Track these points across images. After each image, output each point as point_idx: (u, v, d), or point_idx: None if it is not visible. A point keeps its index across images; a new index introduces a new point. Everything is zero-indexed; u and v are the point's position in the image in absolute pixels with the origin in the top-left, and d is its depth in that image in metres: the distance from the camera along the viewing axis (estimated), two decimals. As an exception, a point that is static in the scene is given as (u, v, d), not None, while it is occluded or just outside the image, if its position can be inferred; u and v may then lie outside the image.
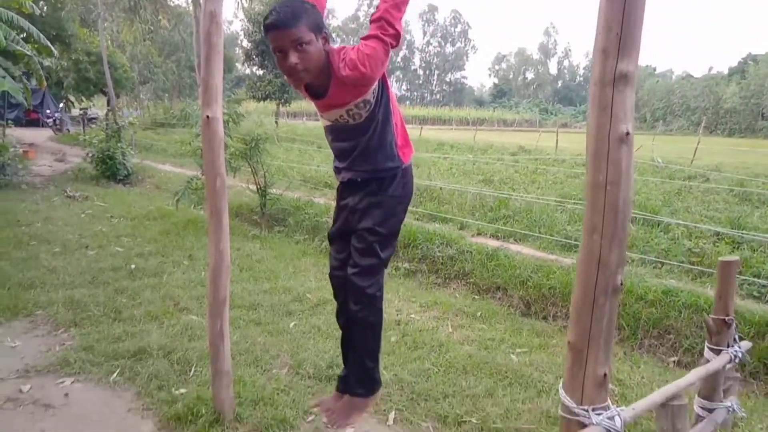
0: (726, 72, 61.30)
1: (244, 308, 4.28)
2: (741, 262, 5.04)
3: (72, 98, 23.05)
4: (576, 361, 1.53)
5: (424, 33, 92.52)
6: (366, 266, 2.21)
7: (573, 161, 13.70)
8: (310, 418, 2.81)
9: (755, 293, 4.63)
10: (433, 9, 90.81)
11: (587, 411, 1.50)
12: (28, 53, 10.10)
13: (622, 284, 1.48)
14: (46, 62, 13.74)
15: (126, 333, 3.70)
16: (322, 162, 11.51)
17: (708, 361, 2.16)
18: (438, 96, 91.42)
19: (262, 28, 2.10)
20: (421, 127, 28.85)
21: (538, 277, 5.05)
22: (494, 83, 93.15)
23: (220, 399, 2.71)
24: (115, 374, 3.18)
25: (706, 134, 31.58)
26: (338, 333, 2.44)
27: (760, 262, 5.11)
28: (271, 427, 2.67)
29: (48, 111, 23.47)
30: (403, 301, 4.79)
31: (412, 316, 4.45)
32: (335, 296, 2.44)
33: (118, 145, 11.32)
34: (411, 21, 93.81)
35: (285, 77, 2.16)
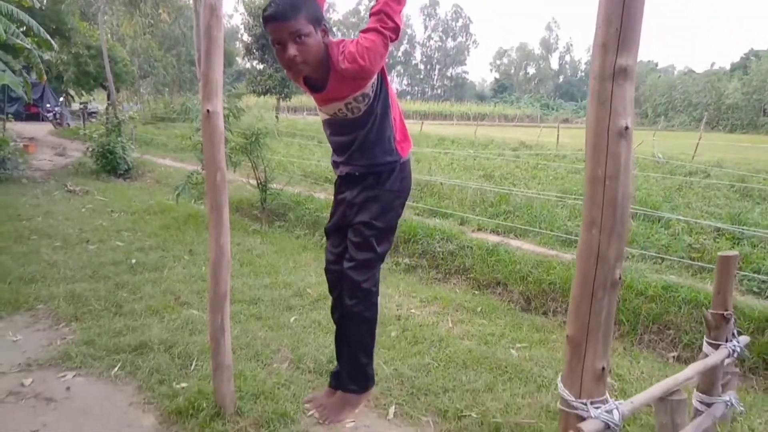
0: (728, 67, 61.19)
1: (245, 303, 4.29)
2: (741, 258, 5.07)
3: (72, 92, 23.01)
4: (574, 354, 1.54)
5: (425, 27, 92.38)
6: (362, 260, 2.20)
7: (574, 156, 13.70)
8: (311, 413, 2.82)
9: (755, 289, 4.65)
10: (434, 3, 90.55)
11: (586, 404, 1.51)
12: (28, 47, 10.07)
13: (620, 278, 1.49)
14: (46, 56, 13.69)
15: (127, 327, 3.71)
16: (323, 157, 11.50)
17: (706, 355, 2.17)
18: (439, 91, 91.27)
19: (261, 20, 2.09)
20: (422, 122, 28.82)
21: (538, 273, 5.06)
22: (495, 78, 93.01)
23: (221, 393, 2.72)
24: (116, 368, 3.19)
25: (707, 130, 31.56)
26: (338, 328, 2.44)
27: (761, 258, 5.12)
28: (271, 421, 2.67)
29: (48, 105, 23.46)
30: (403, 296, 4.80)
31: (413, 311, 4.46)
32: (330, 291, 2.43)
33: (119, 139, 11.32)
34: (412, 15, 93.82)
35: (284, 70, 2.15)
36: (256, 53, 23.10)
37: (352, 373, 2.33)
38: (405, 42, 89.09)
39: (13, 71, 10.35)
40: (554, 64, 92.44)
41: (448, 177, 9.34)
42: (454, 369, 3.39)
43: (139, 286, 4.53)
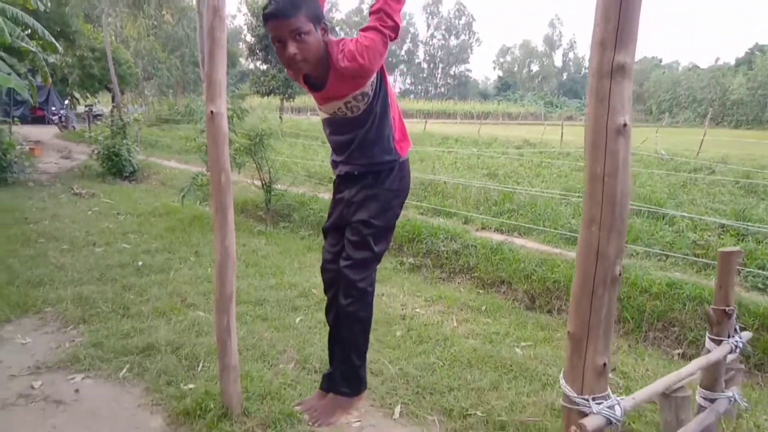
0: (733, 63, 60.84)
1: (251, 304, 4.32)
2: (746, 254, 5.06)
3: (77, 95, 23.12)
4: (575, 351, 1.55)
5: (428, 26, 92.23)
6: (359, 259, 2.20)
7: (578, 154, 13.66)
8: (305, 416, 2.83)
9: (760, 285, 4.64)
10: (437, 1, 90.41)
11: (587, 400, 1.53)
12: (33, 50, 10.13)
13: (620, 275, 1.50)
14: (51, 59, 13.76)
15: (134, 329, 3.74)
16: (326, 157, 11.48)
17: (709, 351, 2.18)
18: (442, 89, 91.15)
19: (261, 18, 2.10)
20: (426, 121, 28.84)
21: (542, 271, 5.06)
22: (499, 76, 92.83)
23: (228, 394, 2.74)
24: (124, 370, 3.22)
25: (712, 126, 31.43)
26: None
27: (765, 254, 5.10)
28: (278, 422, 2.70)
29: (53, 108, 23.56)
30: (407, 296, 4.82)
31: (417, 310, 4.47)
32: (325, 291, 2.41)
33: (124, 141, 11.38)
34: (415, 14, 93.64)
35: (285, 69, 2.16)
36: (260, 54, 23.15)
37: (345, 374, 2.31)
38: (408, 40, 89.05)
39: (19, 74, 10.41)
40: (558, 61, 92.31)
41: (452, 176, 9.35)
42: (459, 368, 3.41)
43: (145, 288, 4.57)
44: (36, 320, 3.95)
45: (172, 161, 13.16)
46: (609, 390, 1.58)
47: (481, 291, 5.18)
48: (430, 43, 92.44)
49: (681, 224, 6.17)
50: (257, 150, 7.11)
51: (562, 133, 19.58)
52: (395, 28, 2.05)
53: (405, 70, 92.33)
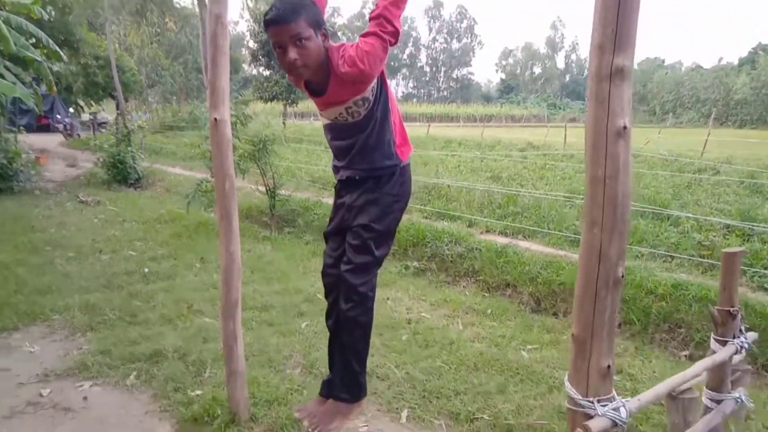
0: (736, 62, 60.66)
1: (256, 309, 4.33)
2: (751, 254, 5.05)
3: (81, 103, 23.26)
4: (580, 353, 1.56)
5: (430, 29, 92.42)
6: (360, 264, 2.20)
7: (581, 156, 13.59)
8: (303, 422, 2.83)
9: (766, 285, 4.62)
10: (438, 5, 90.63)
11: (592, 402, 1.53)
12: (38, 59, 10.19)
13: (623, 276, 1.50)
14: (56, 67, 13.85)
15: (141, 336, 3.76)
16: (330, 162, 11.44)
17: (714, 352, 2.18)
18: (445, 93, 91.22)
19: (263, 24, 2.12)
20: (429, 125, 28.84)
21: (547, 273, 5.06)
22: (501, 79, 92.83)
23: (235, 399, 2.75)
24: (131, 377, 3.24)
25: (716, 126, 31.32)
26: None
27: (772, 255, 5.08)
28: (285, 427, 2.70)
29: (58, 116, 23.68)
30: (413, 300, 4.82)
31: (423, 314, 4.48)
32: (326, 295, 2.41)
33: (128, 149, 11.43)
34: (416, 18, 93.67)
35: (286, 74, 2.18)
36: (262, 60, 23.25)
37: (344, 380, 2.31)
38: (410, 44, 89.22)
39: (24, 83, 10.49)
40: (560, 63, 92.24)
41: (456, 179, 9.36)
42: (465, 372, 3.41)
43: (152, 295, 4.59)
44: (44, 328, 3.98)
45: (177, 168, 13.21)
46: (614, 392, 1.58)
47: (486, 294, 5.18)
48: (432, 46, 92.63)
49: (686, 225, 6.16)
50: (261, 156, 7.14)
51: (565, 135, 19.55)
52: (395, 34, 2.07)
53: (407, 74, 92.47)
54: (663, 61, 74.92)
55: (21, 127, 14.13)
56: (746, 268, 4.81)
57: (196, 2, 20.37)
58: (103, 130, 19.32)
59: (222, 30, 2.54)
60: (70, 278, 5.00)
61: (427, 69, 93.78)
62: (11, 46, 8.32)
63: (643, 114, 56.99)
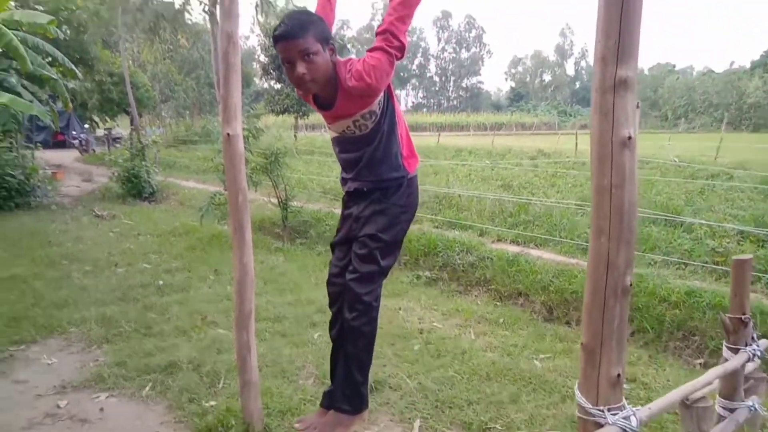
0: (748, 66, 60.06)
1: (270, 320, 4.36)
2: (765, 260, 5.00)
3: (96, 119, 23.61)
4: (589, 362, 1.57)
5: (439, 39, 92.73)
6: (365, 273, 2.22)
7: (593, 163, 13.54)
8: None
9: (781, 292, 4.57)
10: (446, 15, 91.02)
11: (603, 411, 1.53)
12: (54, 77, 10.42)
13: (631, 285, 1.51)
14: (71, 84, 14.12)
15: (156, 348, 3.81)
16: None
17: (727, 360, 2.17)
18: (455, 102, 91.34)
19: (272, 39, 2.17)
20: (439, 134, 28.89)
21: (559, 282, 5.04)
22: (511, 87, 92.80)
23: (249, 410, 2.78)
24: (147, 388, 3.28)
25: (729, 130, 31.02)
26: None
27: (787, 261, 5.03)
28: (299, 437, 2.72)
29: (74, 132, 24.07)
30: (425, 310, 4.83)
31: (435, 324, 4.48)
32: (330, 305, 2.43)
33: (143, 163, 11.59)
34: (425, 28, 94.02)
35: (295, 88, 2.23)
36: (273, 73, 23.46)
37: (346, 391, 2.31)
38: (419, 55, 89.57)
39: (41, 101, 10.72)
40: (570, 70, 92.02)
41: (467, 188, 9.37)
42: (477, 381, 3.41)
43: (167, 307, 4.64)
44: (61, 341, 4.04)
45: (191, 181, 13.36)
46: (624, 400, 1.59)
47: (498, 303, 5.17)
48: (441, 56, 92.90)
49: (699, 232, 6.11)
50: (273, 168, 7.22)
51: (576, 142, 19.44)
52: (401, 48, 2.11)
53: (417, 84, 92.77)
54: (674, 66, 74.46)
55: (38, 144, 14.42)
56: (761, 275, 4.77)
57: (207, 19, 20.63)
58: (118, 145, 19.62)
59: (233, 48, 2.60)
60: (86, 291, 5.07)
61: (437, 79, 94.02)
62: (28, 65, 8.51)
63: (655, 119, 56.63)
